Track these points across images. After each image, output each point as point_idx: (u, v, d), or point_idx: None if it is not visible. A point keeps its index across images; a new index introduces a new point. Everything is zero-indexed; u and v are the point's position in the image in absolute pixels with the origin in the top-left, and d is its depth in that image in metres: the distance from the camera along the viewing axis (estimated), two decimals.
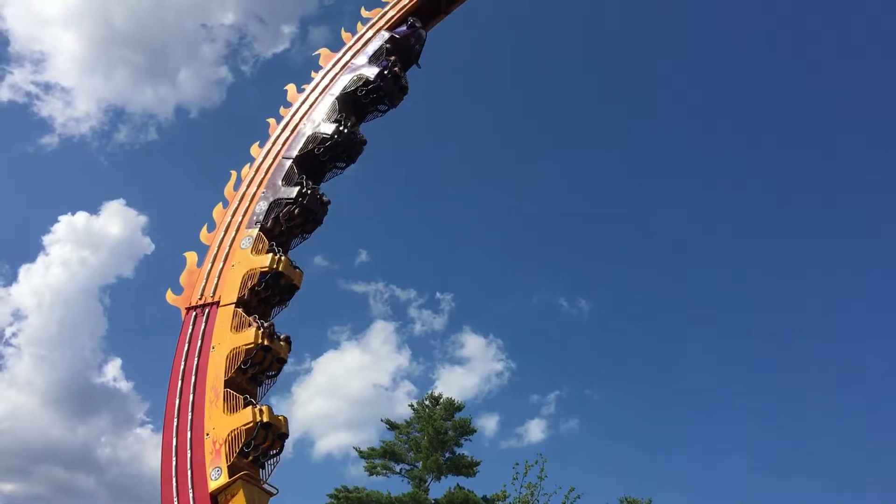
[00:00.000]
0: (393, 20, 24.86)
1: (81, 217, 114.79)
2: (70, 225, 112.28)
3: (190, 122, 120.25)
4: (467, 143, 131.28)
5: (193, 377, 19.80)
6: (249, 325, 19.59)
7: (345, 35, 25.83)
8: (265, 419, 18.27)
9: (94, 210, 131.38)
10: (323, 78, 24.57)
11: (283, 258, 20.73)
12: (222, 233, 22.29)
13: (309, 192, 21.80)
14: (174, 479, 18.53)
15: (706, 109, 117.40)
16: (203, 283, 21.42)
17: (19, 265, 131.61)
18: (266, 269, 20.44)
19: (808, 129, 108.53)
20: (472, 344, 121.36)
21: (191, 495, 17.97)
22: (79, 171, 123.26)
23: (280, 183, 22.04)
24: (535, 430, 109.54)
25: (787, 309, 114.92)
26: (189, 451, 18.66)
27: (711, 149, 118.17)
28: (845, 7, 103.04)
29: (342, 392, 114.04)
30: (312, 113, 23.34)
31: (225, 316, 20.10)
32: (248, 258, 20.85)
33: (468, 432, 55.30)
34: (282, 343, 19.98)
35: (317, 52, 26.24)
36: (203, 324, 20.62)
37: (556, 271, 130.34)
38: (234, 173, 24.01)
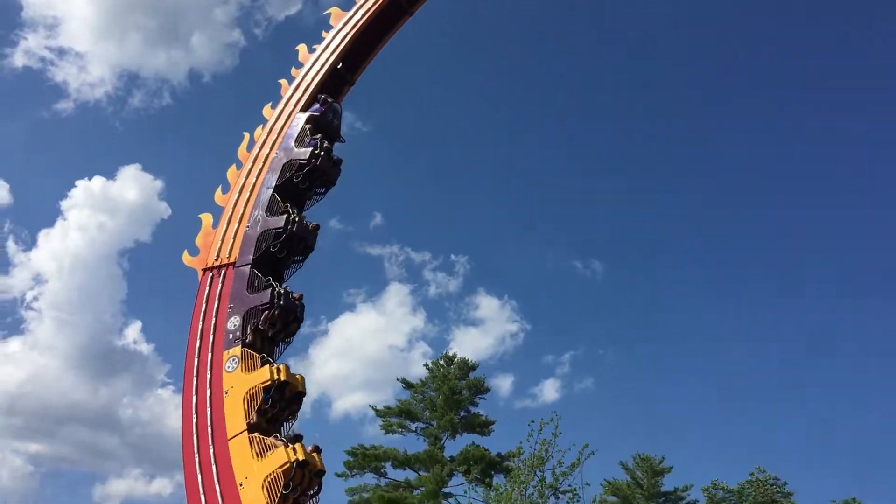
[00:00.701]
0: (303, 102, 23.85)
1: (98, 182, 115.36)
2: (87, 190, 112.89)
3: (203, 86, 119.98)
4: (481, 104, 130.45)
5: (212, 337, 20.06)
6: (275, 447, 17.53)
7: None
8: None
9: (110, 175, 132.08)
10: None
11: (282, 366, 19.01)
12: (236, 194, 22.48)
13: (281, 292, 20.27)
14: (195, 437, 18.85)
15: (711, 71, 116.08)
16: (219, 245, 21.61)
17: (38, 230, 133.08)
18: (268, 382, 18.48)
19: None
20: (487, 305, 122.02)
21: (211, 451, 18.30)
22: (94, 137, 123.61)
23: (246, 292, 20.28)
24: (550, 390, 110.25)
25: (804, 265, 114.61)
26: (209, 410, 18.97)
27: (723, 104, 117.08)
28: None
29: (358, 353, 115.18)
30: (254, 211, 21.78)
31: (240, 448, 17.85)
32: (242, 378, 18.80)
33: (482, 391, 55.87)
34: (314, 455, 18.04)
35: (328, 12, 26.16)
36: (220, 284, 20.87)
37: (570, 233, 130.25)
38: (246, 135, 24.18)
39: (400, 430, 55.15)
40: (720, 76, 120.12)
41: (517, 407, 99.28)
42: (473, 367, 56.59)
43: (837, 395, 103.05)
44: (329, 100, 23.83)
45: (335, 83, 25.00)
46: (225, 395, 18.84)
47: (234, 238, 21.50)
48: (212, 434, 18.67)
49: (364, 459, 51.84)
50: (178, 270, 22.40)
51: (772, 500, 50.93)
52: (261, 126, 24.11)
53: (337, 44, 24.89)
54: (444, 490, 50.18)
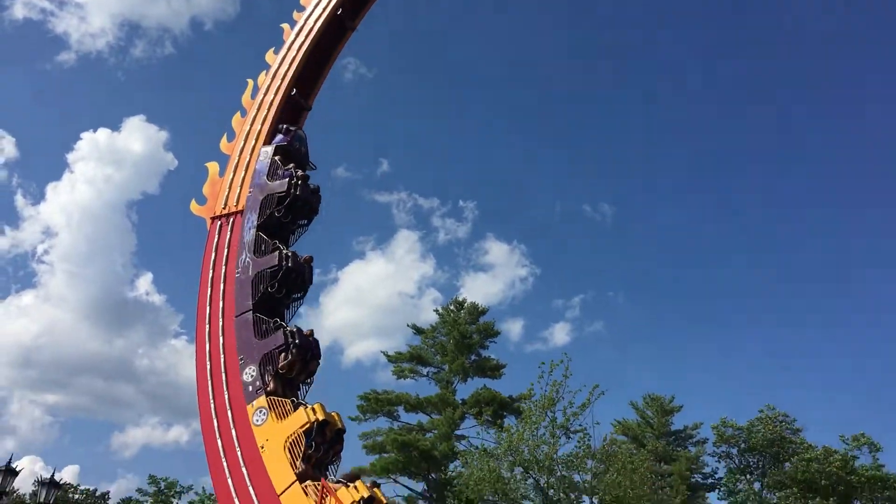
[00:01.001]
0: (265, 135, 22.45)
1: (103, 134, 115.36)
2: (92, 142, 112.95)
3: (205, 34, 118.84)
4: (490, 48, 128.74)
5: (222, 284, 20.18)
6: (334, 491, 16.39)
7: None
8: None
9: (115, 126, 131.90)
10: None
11: (316, 406, 17.74)
12: (242, 142, 22.38)
13: (293, 330, 19.09)
14: (209, 384, 19.09)
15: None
16: (226, 193, 21.60)
17: (45, 183, 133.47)
18: (307, 425, 17.19)
19: None
20: (496, 251, 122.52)
21: (226, 397, 18.56)
22: (97, 88, 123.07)
23: (255, 339, 19.04)
24: (560, 334, 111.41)
25: (815, 203, 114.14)
26: (222, 356, 19.16)
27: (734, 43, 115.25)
28: None
29: (369, 301, 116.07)
30: (240, 256, 20.41)
31: (295, 500, 16.50)
32: (277, 428, 17.43)
33: (492, 335, 56.35)
34: (375, 490, 17.13)
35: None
36: (229, 232, 20.90)
37: (579, 177, 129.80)
38: (250, 82, 23.99)
39: (411, 374, 55.85)
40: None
41: (528, 351, 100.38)
42: (483, 312, 57.00)
43: (847, 331, 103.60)
44: (291, 128, 22.61)
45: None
46: (261, 450, 17.34)
47: (242, 186, 21.47)
48: (226, 381, 18.90)
49: (377, 404, 52.59)
50: (187, 221, 22.29)
51: (780, 437, 51.57)
52: (264, 72, 23.91)
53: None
54: (456, 432, 51.03)
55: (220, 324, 19.74)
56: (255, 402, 18.11)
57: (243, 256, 20.21)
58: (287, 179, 20.91)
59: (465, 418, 51.79)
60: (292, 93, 23.64)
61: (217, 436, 18.26)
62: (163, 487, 66.07)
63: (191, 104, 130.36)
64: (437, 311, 58.82)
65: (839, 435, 54.07)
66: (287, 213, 20.78)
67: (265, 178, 21.28)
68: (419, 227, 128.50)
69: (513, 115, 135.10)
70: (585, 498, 34.75)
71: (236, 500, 17.32)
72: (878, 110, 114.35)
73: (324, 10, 24.42)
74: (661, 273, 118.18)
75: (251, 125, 22.66)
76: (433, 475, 50.31)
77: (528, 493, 35.35)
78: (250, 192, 21.29)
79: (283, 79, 23.51)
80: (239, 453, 17.71)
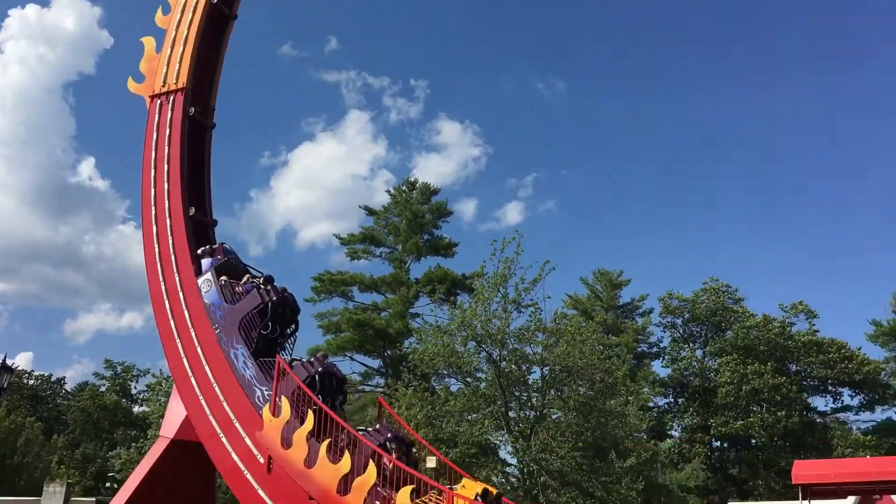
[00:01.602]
0: (193, 269, 19.07)
1: (32, 10, 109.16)
2: (22, 20, 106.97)
3: None
4: None
5: (166, 165, 19.62)
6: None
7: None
8: None
9: (44, 3, 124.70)
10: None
11: (466, 481, 16.54)
12: (178, 14, 21.15)
13: (376, 429, 17.77)
14: (159, 266, 18.89)
15: None
16: (164, 69, 20.62)
17: None
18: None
19: None
20: (449, 130, 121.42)
21: (177, 279, 18.43)
22: None
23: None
24: (513, 213, 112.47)
25: (775, 73, 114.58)
26: (170, 237, 18.89)
27: None
28: None
29: (320, 183, 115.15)
30: (252, 396, 17.45)
31: None
32: None
33: (445, 214, 56.69)
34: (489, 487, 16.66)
35: None
36: (169, 111, 20.12)
37: (531, 53, 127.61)
38: None
39: (365, 255, 56.23)
40: None
41: (481, 230, 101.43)
42: (435, 192, 57.08)
43: (789, 204, 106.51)
44: (213, 246, 19.98)
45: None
46: None
47: (181, 62, 20.51)
48: (175, 262, 18.71)
49: (331, 284, 53.04)
50: (127, 102, 21.30)
51: (723, 307, 53.61)
52: None
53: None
54: (410, 310, 51.97)
55: (167, 206, 19.33)
56: None
57: (258, 393, 17.46)
58: (254, 290, 18.59)
59: (419, 297, 52.69)
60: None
61: (170, 317, 18.21)
62: (119, 371, 66.71)
63: None
64: (389, 192, 58.78)
65: (778, 303, 56.48)
66: (275, 326, 18.42)
67: (225, 304, 18.36)
68: (370, 108, 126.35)
69: None
70: (536, 368, 35.82)
71: (193, 379, 17.49)
72: None
73: None
74: (613, 151, 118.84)
75: None
76: (388, 352, 51.50)
77: (481, 365, 36.37)
78: (217, 331, 18.38)
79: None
80: (193, 333, 17.74)
